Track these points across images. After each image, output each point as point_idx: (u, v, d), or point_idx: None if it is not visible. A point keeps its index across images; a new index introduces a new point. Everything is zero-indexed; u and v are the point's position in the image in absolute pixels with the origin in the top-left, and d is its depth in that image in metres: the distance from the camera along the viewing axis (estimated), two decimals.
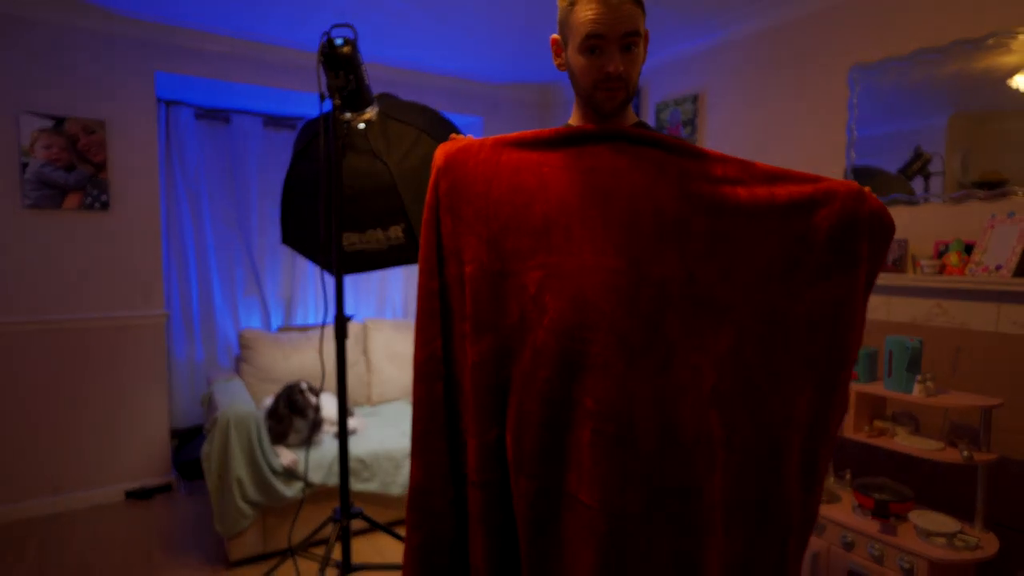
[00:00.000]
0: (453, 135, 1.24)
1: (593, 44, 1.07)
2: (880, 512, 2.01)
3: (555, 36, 1.18)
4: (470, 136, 1.22)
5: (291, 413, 2.71)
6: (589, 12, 1.06)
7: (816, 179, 1.09)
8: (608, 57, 1.07)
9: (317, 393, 2.77)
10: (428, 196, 1.17)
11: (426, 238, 1.16)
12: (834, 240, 1.05)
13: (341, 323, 1.87)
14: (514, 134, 1.15)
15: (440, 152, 1.18)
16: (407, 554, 1.17)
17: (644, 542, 0.98)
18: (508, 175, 1.10)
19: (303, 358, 3.33)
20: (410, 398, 3.71)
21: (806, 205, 1.06)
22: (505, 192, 1.09)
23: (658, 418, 0.98)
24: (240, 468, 2.48)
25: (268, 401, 2.88)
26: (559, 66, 1.19)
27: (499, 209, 1.09)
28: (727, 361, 1.02)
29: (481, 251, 1.09)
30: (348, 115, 1.93)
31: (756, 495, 1.04)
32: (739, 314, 1.02)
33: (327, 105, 1.89)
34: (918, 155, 2.39)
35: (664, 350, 0.99)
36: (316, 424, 2.71)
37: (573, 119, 1.24)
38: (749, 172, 1.08)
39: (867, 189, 1.09)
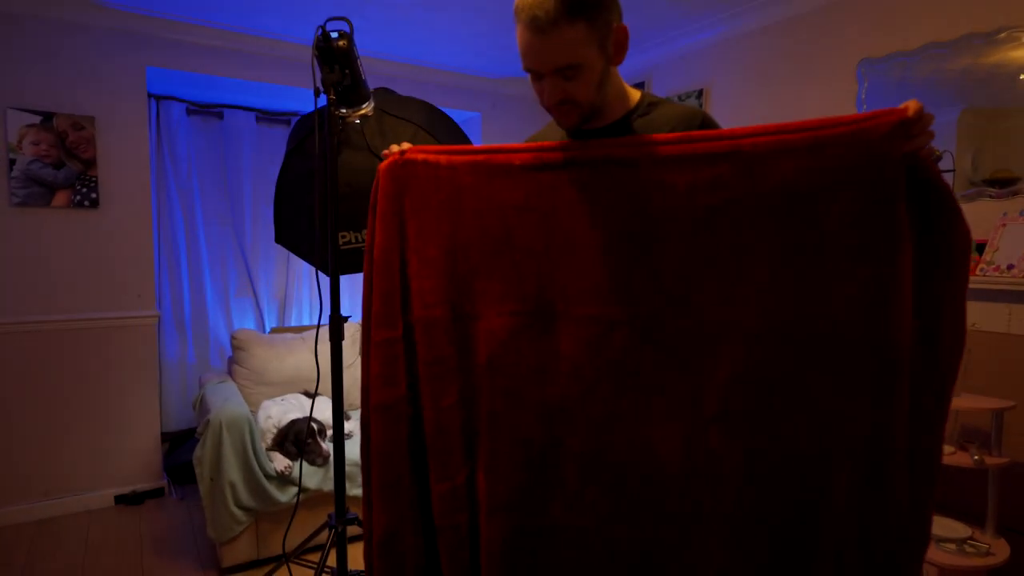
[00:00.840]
0: (385, 151, 1.18)
1: (531, 73, 1.02)
2: None
3: None
4: (409, 149, 1.15)
5: (299, 453, 2.63)
6: (522, 42, 0.98)
7: (820, 126, 0.87)
8: (545, 85, 1.01)
9: (326, 438, 2.71)
10: (385, 236, 1.11)
11: (386, 280, 1.10)
12: (852, 213, 0.84)
13: (337, 324, 1.82)
14: (468, 150, 1.11)
15: (392, 184, 1.12)
16: None
17: (640, 559, 0.98)
18: (472, 219, 1.07)
19: (297, 360, 3.27)
20: None
21: (807, 182, 0.87)
22: (473, 237, 1.08)
23: (643, 455, 0.97)
24: (233, 472, 2.42)
25: (270, 412, 2.79)
26: None
27: (467, 253, 1.08)
28: (734, 384, 0.93)
29: (451, 293, 1.08)
30: (344, 111, 1.88)
31: (787, 516, 0.93)
32: (745, 330, 0.92)
33: (322, 100, 1.84)
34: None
35: (644, 387, 0.97)
36: (324, 461, 2.64)
37: None
38: (724, 163, 0.93)
39: (908, 115, 0.83)
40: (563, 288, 1.02)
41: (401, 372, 1.11)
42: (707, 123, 1.11)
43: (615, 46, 1.02)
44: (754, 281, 0.91)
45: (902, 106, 0.82)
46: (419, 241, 1.10)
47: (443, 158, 1.10)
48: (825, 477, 0.89)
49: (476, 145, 1.21)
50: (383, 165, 1.15)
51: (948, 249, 0.83)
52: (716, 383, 0.93)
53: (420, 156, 1.12)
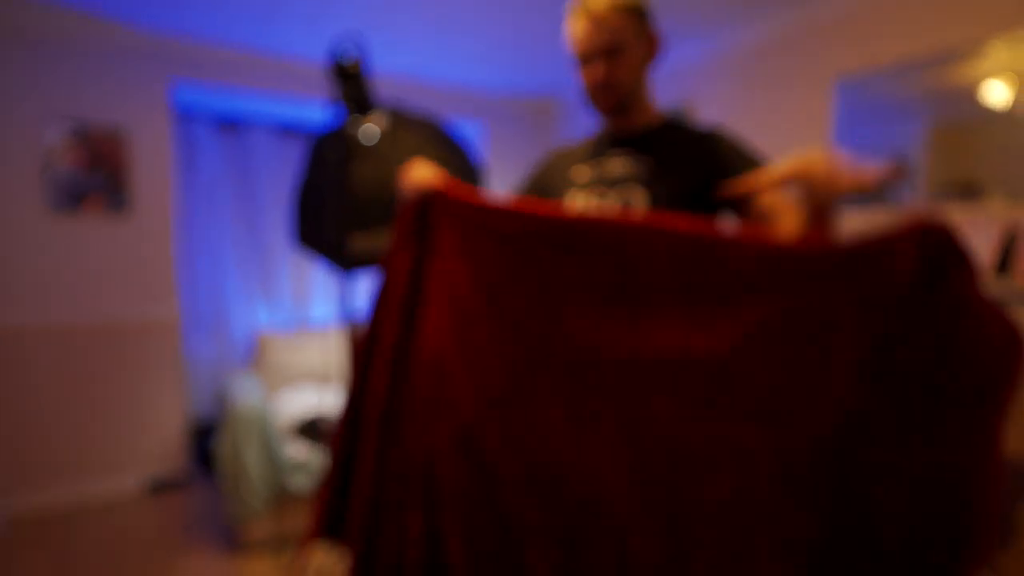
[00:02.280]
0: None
1: (582, 56, 1.20)
2: None
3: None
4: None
5: (316, 442, 2.79)
6: (576, 28, 1.19)
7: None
8: (593, 68, 1.19)
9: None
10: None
11: None
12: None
13: (350, 320, 1.97)
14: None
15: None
16: None
17: None
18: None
19: (314, 356, 3.44)
20: None
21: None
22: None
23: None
24: (252, 462, 2.58)
25: (288, 403, 2.96)
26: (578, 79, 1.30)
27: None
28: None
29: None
30: (357, 124, 2.04)
31: None
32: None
33: (338, 114, 2.00)
34: (900, 163, 2.49)
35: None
36: None
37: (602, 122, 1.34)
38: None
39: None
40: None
41: None
42: (722, 133, 1.23)
43: (650, 45, 1.21)
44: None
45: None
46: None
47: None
48: None
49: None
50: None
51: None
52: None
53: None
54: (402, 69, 3.86)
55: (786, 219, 0.95)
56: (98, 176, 3.15)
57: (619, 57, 1.17)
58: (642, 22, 1.19)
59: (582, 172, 1.29)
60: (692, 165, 1.19)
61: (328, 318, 4.20)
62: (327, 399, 2.97)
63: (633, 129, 1.27)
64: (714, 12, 2.95)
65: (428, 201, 1.11)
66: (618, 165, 1.24)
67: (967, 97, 2.26)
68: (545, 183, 1.36)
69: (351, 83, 1.92)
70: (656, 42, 1.23)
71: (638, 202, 1.18)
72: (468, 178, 2.14)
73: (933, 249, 0.65)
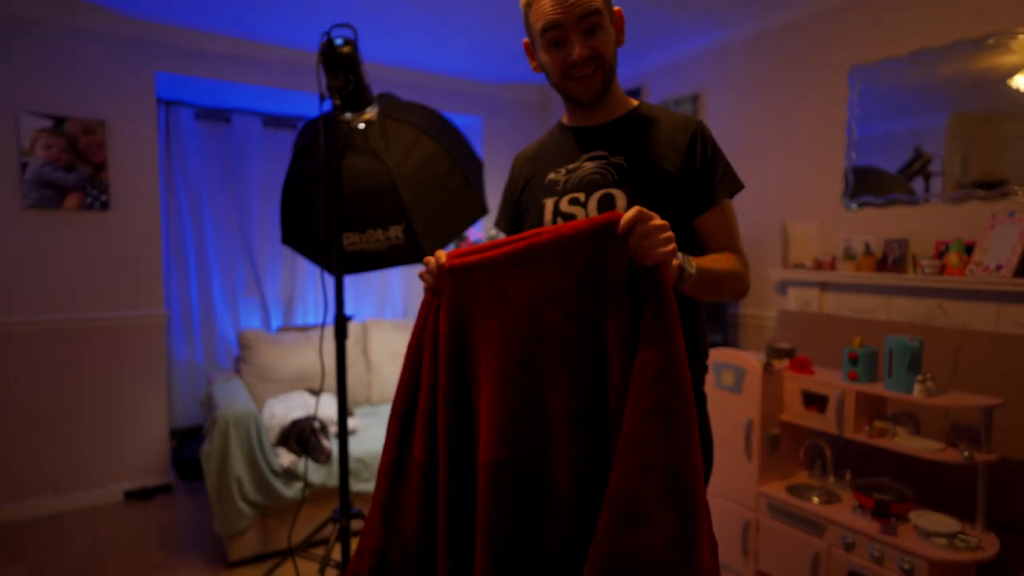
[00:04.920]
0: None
1: (555, 36, 1.08)
2: (880, 512, 2.00)
3: (526, 40, 1.18)
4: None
5: (302, 451, 2.68)
6: (546, 3, 1.07)
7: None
8: (570, 46, 1.08)
9: (329, 436, 2.76)
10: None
11: None
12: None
13: (341, 323, 1.87)
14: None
15: None
16: None
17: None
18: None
19: (303, 358, 3.33)
20: None
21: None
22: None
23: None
24: (240, 468, 2.48)
25: (274, 410, 2.85)
26: (535, 69, 1.20)
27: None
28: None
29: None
30: (348, 115, 1.93)
31: None
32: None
33: (327, 105, 1.89)
34: (918, 155, 2.40)
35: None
36: (327, 459, 2.69)
37: (565, 118, 1.25)
38: None
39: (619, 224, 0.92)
40: None
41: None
42: (703, 131, 1.16)
43: (618, 20, 1.14)
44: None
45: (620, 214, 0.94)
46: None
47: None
48: None
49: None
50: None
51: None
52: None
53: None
54: (395, 58, 3.76)
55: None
56: (79, 172, 3.02)
57: (598, 32, 1.08)
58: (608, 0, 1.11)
59: (558, 179, 1.20)
60: (668, 162, 1.13)
61: (318, 318, 4.10)
62: (314, 403, 2.86)
63: (605, 124, 1.19)
64: (727, 1, 2.88)
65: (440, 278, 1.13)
66: (592, 168, 1.16)
67: (990, 88, 2.18)
68: (520, 197, 1.28)
69: (343, 72, 1.81)
70: (621, 19, 1.15)
71: (619, 204, 1.11)
72: (468, 170, 2.04)
73: (603, 228, 0.93)
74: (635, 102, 1.22)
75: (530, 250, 0.99)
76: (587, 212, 1.13)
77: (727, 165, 1.17)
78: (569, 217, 1.14)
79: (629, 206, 1.07)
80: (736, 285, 1.13)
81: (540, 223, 1.17)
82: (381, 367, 3.59)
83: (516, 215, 1.30)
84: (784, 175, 2.98)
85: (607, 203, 1.11)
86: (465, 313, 1.06)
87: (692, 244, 1.17)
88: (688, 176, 1.13)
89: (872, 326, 2.44)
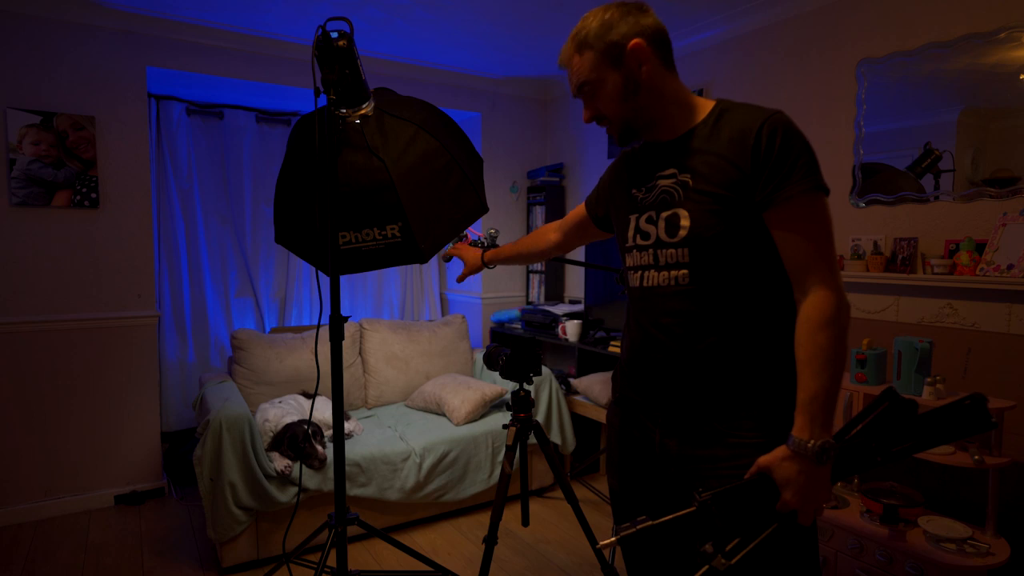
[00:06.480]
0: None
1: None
2: (889, 517, 1.97)
3: None
4: None
5: (296, 456, 2.61)
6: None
7: None
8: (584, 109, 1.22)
9: (324, 441, 2.70)
10: None
11: None
12: None
13: (337, 323, 1.82)
14: None
15: None
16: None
17: None
18: None
19: (297, 360, 3.27)
20: (405, 401, 3.62)
21: None
22: None
23: None
24: (233, 472, 2.42)
25: (267, 414, 2.78)
26: None
27: None
28: None
29: None
30: (344, 110, 1.88)
31: None
32: None
33: (322, 100, 1.83)
34: (928, 152, 2.35)
35: None
36: (321, 464, 2.63)
37: None
38: None
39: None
40: None
41: None
42: (770, 125, 1.05)
43: (632, 60, 1.12)
44: None
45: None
46: None
47: None
48: None
49: None
50: None
51: None
52: None
53: None
54: (392, 52, 3.70)
55: None
56: (68, 169, 2.95)
57: (596, 95, 1.17)
58: (607, 51, 1.12)
59: (637, 197, 1.26)
60: (728, 171, 1.08)
61: (312, 319, 4.05)
62: (308, 407, 2.80)
63: (672, 140, 1.19)
64: None
65: None
66: (664, 187, 1.19)
67: (1002, 83, 2.13)
68: (612, 195, 1.37)
69: (338, 66, 1.75)
70: (638, 51, 1.10)
71: (683, 223, 1.13)
72: (467, 167, 1.98)
73: None
74: (708, 106, 1.16)
75: None
76: (658, 231, 1.18)
77: (802, 161, 1.03)
78: (646, 235, 1.21)
79: (693, 225, 1.12)
80: (840, 348, 1.01)
81: (625, 237, 1.27)
82: (378, 369, 3.53)
83: (605, 209, 1.42)
84: None
85: (673, 222, 1.15)
86: None
87: (771, 257, 1.09)
88: (754, 177, 1.05)
89: (881, 326, 2.39)
